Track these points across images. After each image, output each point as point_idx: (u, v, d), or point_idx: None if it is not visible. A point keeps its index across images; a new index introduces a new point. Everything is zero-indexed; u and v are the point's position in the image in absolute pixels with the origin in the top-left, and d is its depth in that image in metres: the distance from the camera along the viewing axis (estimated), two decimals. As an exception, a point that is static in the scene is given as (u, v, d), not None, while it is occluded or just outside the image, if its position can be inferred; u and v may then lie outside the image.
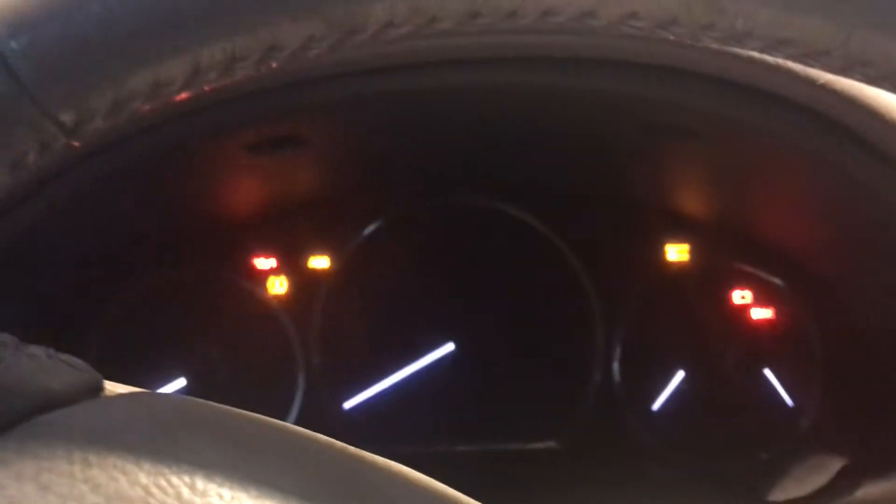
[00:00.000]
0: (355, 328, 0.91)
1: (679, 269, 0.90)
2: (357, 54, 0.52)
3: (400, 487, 0.25)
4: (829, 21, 0.22)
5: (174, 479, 0.22)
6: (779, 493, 0.80)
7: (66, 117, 0.22)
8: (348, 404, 0.90)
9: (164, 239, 0.84)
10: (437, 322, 0.91)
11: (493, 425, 0.90)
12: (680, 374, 0.89)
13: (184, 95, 0.24)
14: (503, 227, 0.91)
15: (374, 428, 0.88)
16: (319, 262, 0.91)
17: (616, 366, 0.90)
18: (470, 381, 0.90)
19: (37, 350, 0.25)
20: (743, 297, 0.90)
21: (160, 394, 0.28)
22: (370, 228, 0.91)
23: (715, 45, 0.24)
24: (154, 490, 0.22)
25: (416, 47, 0.53)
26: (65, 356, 0.25)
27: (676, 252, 0.91)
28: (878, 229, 0.67)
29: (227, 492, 0.22)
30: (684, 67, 0.56)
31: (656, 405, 0.89)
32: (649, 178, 0.87)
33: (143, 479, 0.22)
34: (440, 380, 0.90)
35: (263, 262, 0.90)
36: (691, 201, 0.89)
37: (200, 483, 0.22)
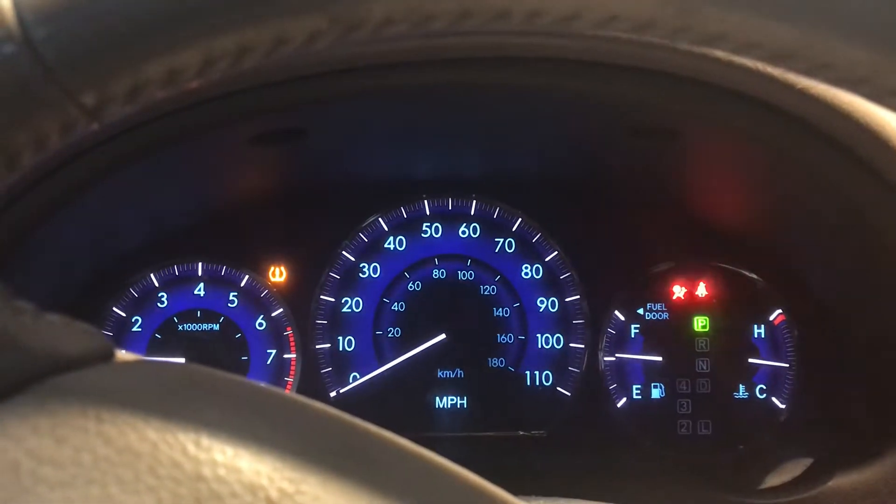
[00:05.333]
0: (352, 318, 0.93)
1: (663, 269, 0.92)
2: (360, 51, 0.54)
3: (392, 451, 0.27)
4: (794, 25, 0.24)
5: (180, 436, 0.24)
6: (755, 483, 0.82)
7: (88, 100, 0.24)
8: (342, 390, 0.92)
9: (170, 229, 0.86)
10: (431, 313, 0.93)
11: (483, 414, 0.92)
12: (662, 368, 0.91)
13: (196, 83, 0.26)
14: (494, 223, 0.93)
15: (363, 414, 0.89)
16: (317, 253, 0.92)
17: (602, 357, 0.91)
18: (459, 371, 0.92)
19: (54, 317, 0.27)
20: (722, 294, 0.92)
21: (167, 361, 0.30)
22: (369, 221, 0.93)
23: (691, 48, 0.26)
24: (162, 445, 0.24)
25: (415, 45, 0.55)
26: (80, 323, 0.27)
27: (662, 249, 0.93)
28: (847, 224, 0.70)
29: (229, 448, 0.24)
30: (675, 71, 0.58)
31: (640, 396, 0.91)
32: (634, 179, 0.89)
33: (152, 434, 0.24)
34: (431, 369, 0.92)
35: (263, 251, 0.92)
36: (676, 203, 0.91)
37: (205, 440, 0.24)
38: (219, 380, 0.27)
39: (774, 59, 0.25)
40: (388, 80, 0.54)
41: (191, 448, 0.24)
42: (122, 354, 0.29)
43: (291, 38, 0.24)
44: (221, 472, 0.23)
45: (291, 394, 0.28)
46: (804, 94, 0.54)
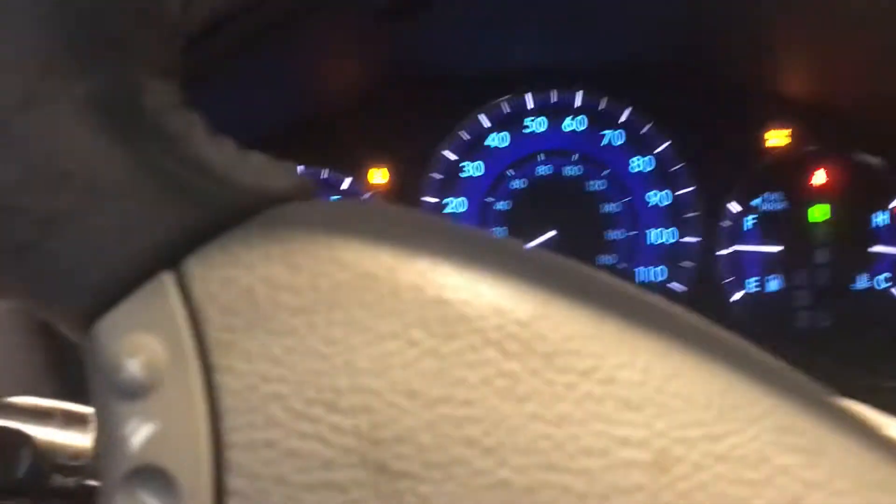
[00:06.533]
0: (457, 219, 0.91)
1: (780, 158, 0.88)
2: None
3: (625, 290, 0.25)
4: None
5: (417, 261, 0.22)
6: (878, 372, 0.79)
7: None
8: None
9: (270, 130, 0.85)
10: (537, 211, 0.90)
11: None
12: (779, 259, 0.88)
13: None
14: (601, 115, 0.90)
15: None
16: (418, 153, 0.91)
17: (718, 250, 0.89)
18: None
19: (257, 155, 0.25)
20: (841, 181, 0.87)
21: (373, 201, 0.29)
22: (469, 118, 0.90)
23: None
24: (400, 269, 0.22)
25: None
26: (282, 161, 0.26)
27: (778, 137, 0.88)
28: None
29: (467, 273, 0.22)
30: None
31: (758, 289, 0.89)
32: (746, 62, 0.84)
33: (387, 259, 0.22)
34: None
35: (363, 153, 0.91)
36: (792, 80, 0.86)
37: (441, 265, 0.22)
38: (435, 217, 0.26)
39: None
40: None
41: (431, 272, 0.22)
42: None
43: None
44: (465, 295, 0.22)
45: (509, 238, 0.26)
46: None
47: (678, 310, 0.26)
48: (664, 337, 0.23)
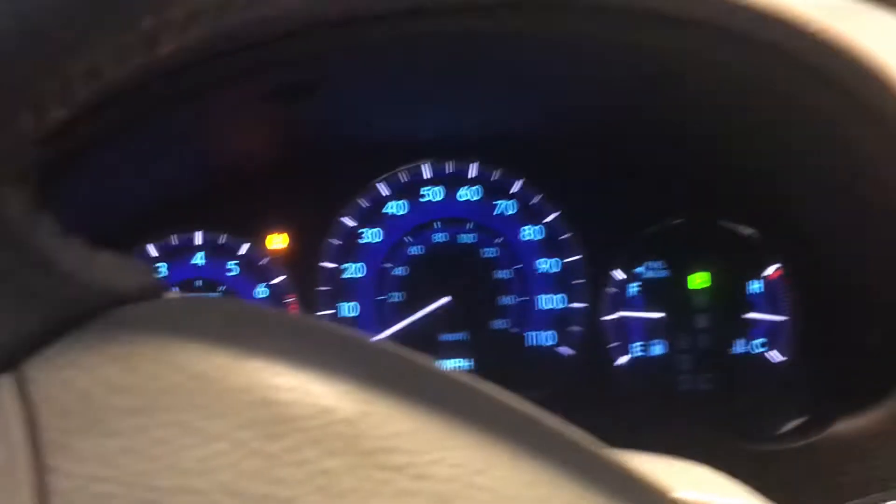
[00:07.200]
0: (354, 284, 0.93)
1: (662, 227, 0.93)
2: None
3: (455, 381, 0.27)
4: None
5: (250, 362, 0.24)
6: (755, 433, 0.83)
7: (145, 23, 0.24)
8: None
9: (169, 198, 0.85)
10: (433, 277, 0.93)
11: (487, 376, 0.92)
12: (662, 324, 0.93)
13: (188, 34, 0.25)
14: (495, 186, 0.94)
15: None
16: (317, 219, 0.92)
17: (603, 316, 0.92)
18: (463, 334, 0.93)
19: (106, 253, 0.27)
20: (720, 250, 0.93)
21: (218, 297, 0.30)
22: (368, 186, 0.93)
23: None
24: (232, 371, 0.24)
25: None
26: (132, 260, 0.27)
27: (660, 207, 0.93)
28: (850, 176, 0.70)
29: (297, 373, 0.24)
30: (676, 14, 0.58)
31: (641, 353, 0.92)
32: (634, 137, 0.89)
33: (221, 361, 0.24)
34: (434, 333, 0.92)
35: (263, 219, 0.92)
36: (674, 160, 0.92)
37: (274, 365, 0.24)
38: (276, 312, 0.27)
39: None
40: (405, 28, 0.54)
41: (261, 373, 0.24)
42: (172, 293, 0.29)
43: None
44: (295, 395, 0.24)
45: (345, 326, 0.28)
46: (813, 40, 0.54)
47: (504, 397, 0.28)
48: (480, 430, 0.25)
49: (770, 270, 0.92)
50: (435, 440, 0.24)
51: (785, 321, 0.92)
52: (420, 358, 0.28)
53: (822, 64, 0.58)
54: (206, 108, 0.63)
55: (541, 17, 0.56)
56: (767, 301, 0.93)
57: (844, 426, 0.75)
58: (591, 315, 0.93)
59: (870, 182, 0.68)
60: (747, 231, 0.93)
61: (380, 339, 0.28)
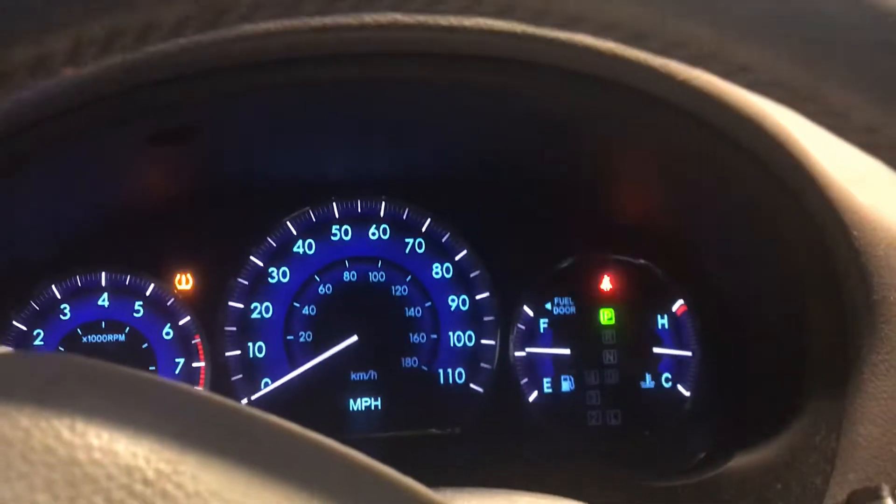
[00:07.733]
0: (262, 324, 0.92)
1: (570, 264, 0.95)
2: (259, 45, 0.54)
3: (275, 433, 0.27)
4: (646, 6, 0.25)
5: (54, 422, 0.24)
6: (662, 468, 0.85)
7: None
8: (253, 396, 0.91)
9: (71, 238, 0.84)
10: (342, 316, 0.93)
11: (398, 414, 0.92)
12: (571, 361, 0.94)
13: (68, 70, 0.26)
14: (404, 224, 0.94)
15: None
16: (224, 258, 0.91)
17: (513, 353, 0.93)
18: (373, 372, 0.92)
19: None
20: (626, 287, 0.95)
21: (42, 352, 0.30)
22: (276, 225, 0.92)
23: (552, 32, 0.27)
24: (34, 431, 0.23)
25: (312, 40, 0.55)
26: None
27: (568, 244, 0.95)
28: (748, 220, 0.73)
29: (104, 432, 0.24)
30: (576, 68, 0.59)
31: (551, 390, 0.93)
32: (540, 176, 0.91)
33: (25, 422, 0.23)
34: (344, 371, 0.92)
35: (168, 258, 0.91)
36: (581, 199, 0.94)
37: (79, 425, 0.24)
38: (94, 367, 0.27)
39: (631, 41, 0.27)
40: (288, 75, 0.54)
41: (65, 433, 0.23)
42: None
43: (161, 23, 0.25)
44: (96, 455, 0.23)
45: (169, 379, 0.28)
46: (711, 97, 0.56)
47: (326, 445, 0.28)
48: (292, 484, 0.25)
49: (676, 306, 0.94)
50: (241, 499, 0.24)
51: (690, 356, 0.94)
52: (243, 409, 0.28)
53: (720, 119, 0.60)
54: (97, 149, 0.62)
55: (417, 67, 0.57)
56: (673, 336, 0.95)
57: (741, 460, 0.76)
58: (501, 352, 0.93)
59: (767, 227, 0.70)
60: (654, 268, 0.95)
61: (205, 393, 0.28)
